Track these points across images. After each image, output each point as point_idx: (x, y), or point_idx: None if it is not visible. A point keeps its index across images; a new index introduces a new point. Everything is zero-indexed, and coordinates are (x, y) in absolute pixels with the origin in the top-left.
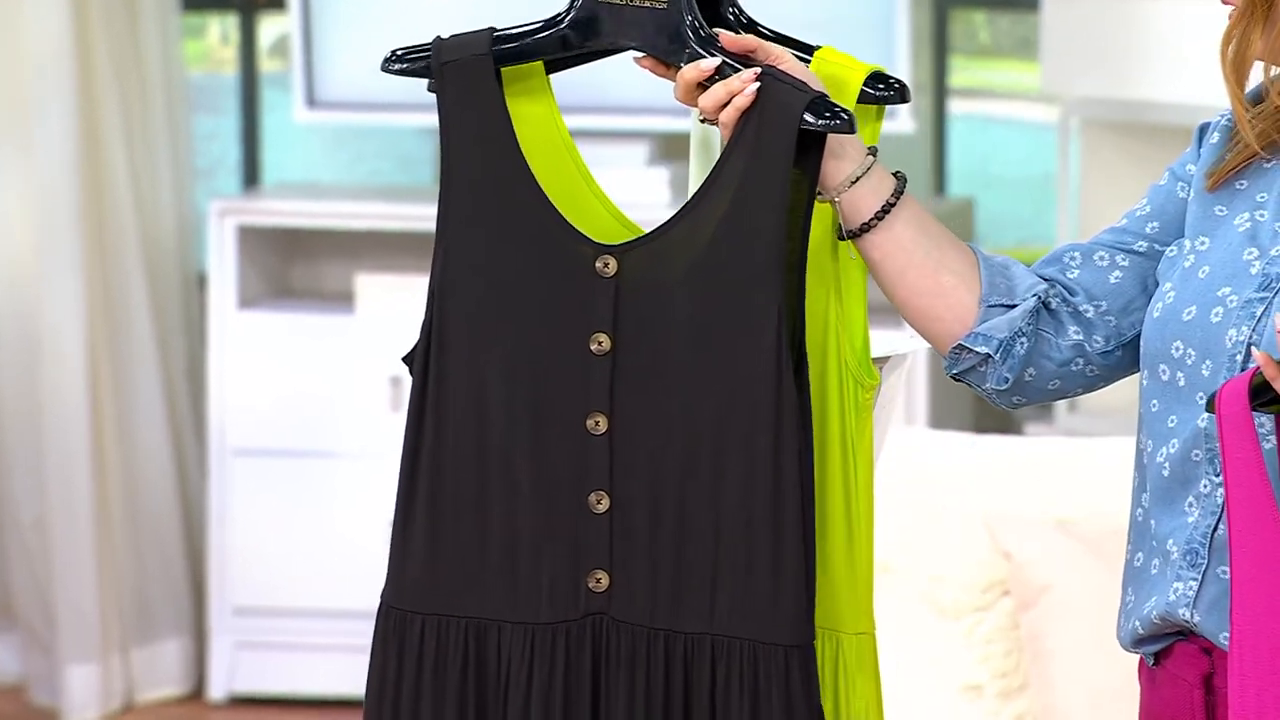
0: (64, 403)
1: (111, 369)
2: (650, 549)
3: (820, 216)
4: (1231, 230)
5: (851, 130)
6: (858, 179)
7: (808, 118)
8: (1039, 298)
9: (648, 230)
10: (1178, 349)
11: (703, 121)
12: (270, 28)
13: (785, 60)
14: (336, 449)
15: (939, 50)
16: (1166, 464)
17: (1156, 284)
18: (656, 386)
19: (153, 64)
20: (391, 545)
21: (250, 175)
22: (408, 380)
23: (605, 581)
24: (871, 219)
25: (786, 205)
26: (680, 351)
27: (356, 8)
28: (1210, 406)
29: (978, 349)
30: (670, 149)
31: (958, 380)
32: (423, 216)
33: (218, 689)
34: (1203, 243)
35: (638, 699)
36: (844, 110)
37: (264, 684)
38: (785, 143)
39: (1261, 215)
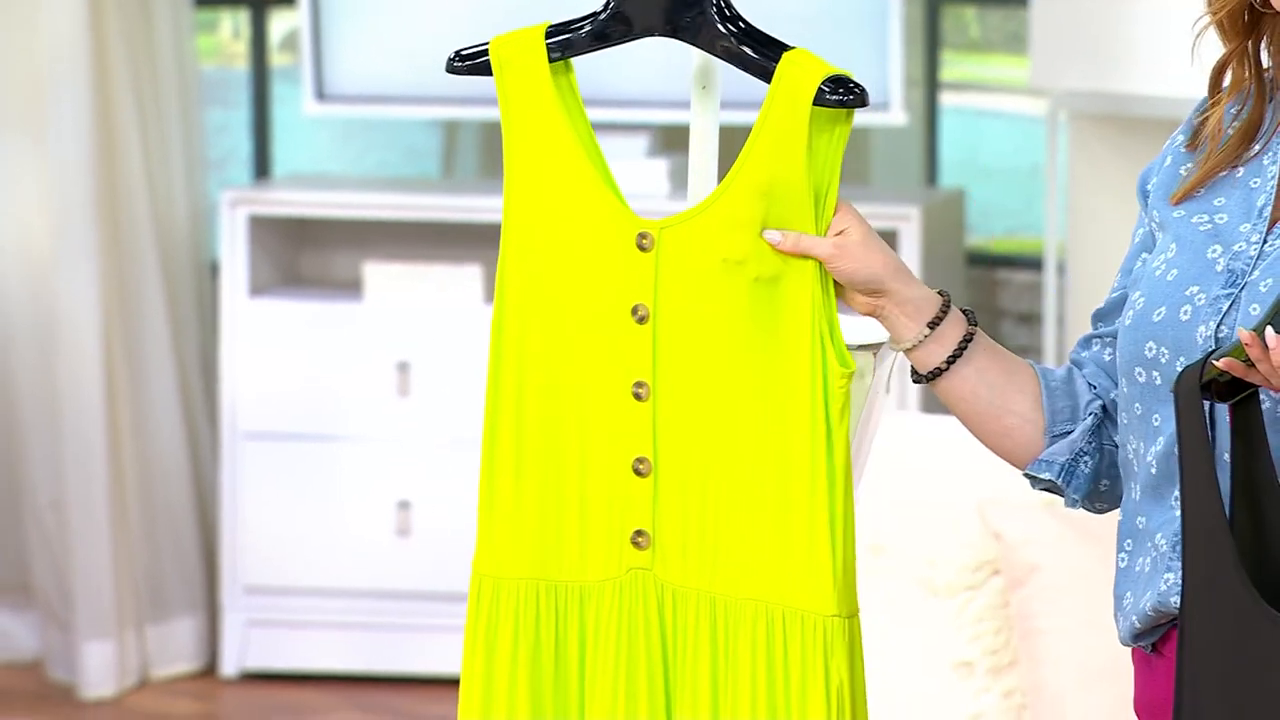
0: (80, 388)
1: (126, 355)
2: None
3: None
4: (1192, 229)
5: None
6: (929, 333)
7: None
8: (1096, 416)
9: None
10: (1151, 350)
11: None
12: (280, 23)
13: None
14: (344, 433)
15: (931, 45)
16: (1154, 462)
17: None
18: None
19: (166, 58)
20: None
21: (261, 166)
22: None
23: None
24: (939, 365)
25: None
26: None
27: (364, 3)
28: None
29: (1041, 476)
30: (670, 140)
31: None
32: (429, 206)
33: (230, 665)
34: (1171, 249)
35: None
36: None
37: (274, 660)
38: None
39: (1221, 218)
